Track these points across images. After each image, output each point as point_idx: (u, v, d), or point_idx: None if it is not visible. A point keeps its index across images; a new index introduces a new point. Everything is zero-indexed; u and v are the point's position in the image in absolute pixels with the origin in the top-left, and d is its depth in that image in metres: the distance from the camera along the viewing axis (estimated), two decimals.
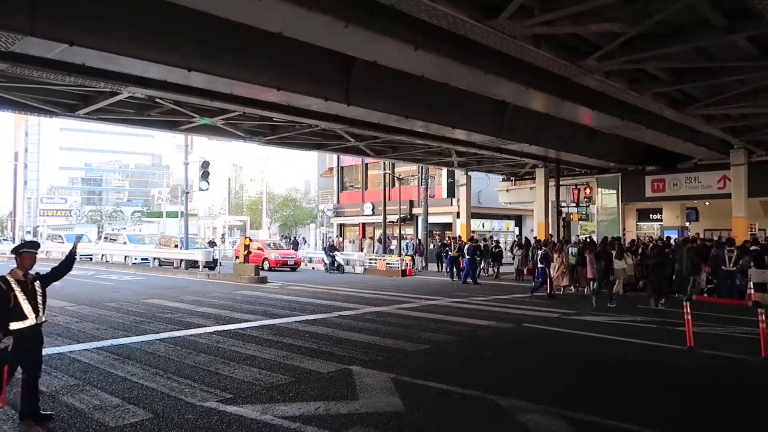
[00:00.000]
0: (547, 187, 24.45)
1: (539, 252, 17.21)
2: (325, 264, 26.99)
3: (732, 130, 16.99)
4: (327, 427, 5.21)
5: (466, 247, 21.03)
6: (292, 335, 9.85)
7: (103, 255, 31.75)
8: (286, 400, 6.04)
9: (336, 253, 27.23)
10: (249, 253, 22.05)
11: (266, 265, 26.67)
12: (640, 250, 17.12)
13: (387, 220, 32.54)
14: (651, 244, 17.33)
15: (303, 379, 6.88)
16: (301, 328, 10.63)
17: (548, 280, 15.88)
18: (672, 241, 18.98)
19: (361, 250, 33.40)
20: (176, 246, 27.23)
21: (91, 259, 32.50)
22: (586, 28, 8.99)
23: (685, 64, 11.15)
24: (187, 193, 29.31)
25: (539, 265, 16.46)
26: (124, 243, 31.47)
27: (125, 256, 29.29)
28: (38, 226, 75.98)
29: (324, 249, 29.43)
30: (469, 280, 20.18)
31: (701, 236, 20.96)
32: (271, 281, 20.44)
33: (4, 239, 67.75)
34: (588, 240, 22.23)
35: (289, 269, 27.26)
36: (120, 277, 22.41)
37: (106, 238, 35.57)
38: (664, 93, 12.85)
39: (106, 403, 5.94)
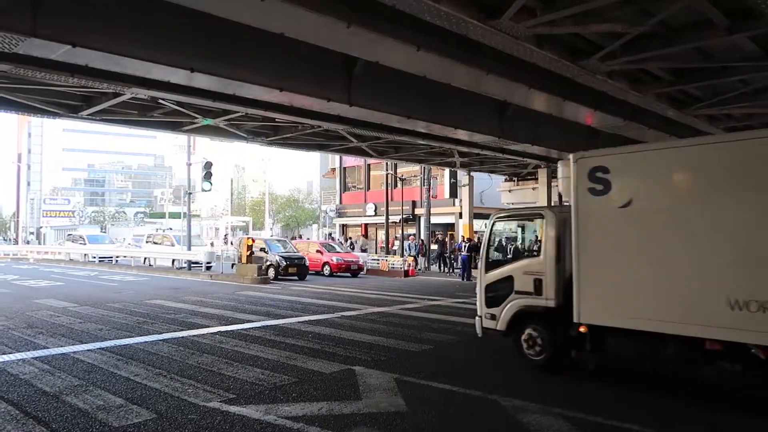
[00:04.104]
0: (549, 188, 24.44)
1: None
2: (461, 270, 22.20)
3: (734, 131, 16.96)
4: (330, 428, 5.22)
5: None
6: (295, 336, 9.86)
7: (145, 258, 29.15)
8: (289, 401, 6.05)
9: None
10: (251, 253, 22.05)
11: (327, 270, 23.90)
12: None
13: (389, 221, 32.57)
14: None
15: (306, 380, 6.89)
16: (304, 328, 10.65)
17: None
18: None
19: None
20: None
21: (114, 261, 30.42)
22: (588, 28, 9.00)
23: (687, 64, 11.15)
24: (190, 193, 29.31)
25: None
26: (171, 245, 28.42)
27: (173, 260, 26.83)
28: (41, 227, 76.22)
29: (459, 249, 24.71)
30: None
31: None
32: (273, 282, 20.48)
33: (4, 240, 68.01)
34: None
35: (350, 275, 23.75)
36: (123, 278, 22.45)
37: (148, 240, 31.97)
38: (666, 93, 12.85)
39: (109, 404, 5.96)
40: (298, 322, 11.41)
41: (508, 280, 7.80)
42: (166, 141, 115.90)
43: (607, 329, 6.62)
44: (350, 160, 39.82)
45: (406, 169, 34.27)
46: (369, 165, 39.00)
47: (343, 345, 9.01)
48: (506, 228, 8.78)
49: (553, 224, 7.39)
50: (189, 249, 26.59)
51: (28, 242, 58.14)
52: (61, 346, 8.83)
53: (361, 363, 7.73)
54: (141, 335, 9.82)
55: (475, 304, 8.37)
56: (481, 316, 8.19)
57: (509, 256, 8.26)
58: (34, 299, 14.86)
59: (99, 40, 8.42)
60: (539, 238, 7.76)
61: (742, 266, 5.64)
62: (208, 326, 10.80)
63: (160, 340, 9.38)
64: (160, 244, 29.74)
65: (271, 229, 58.00)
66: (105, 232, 57.21)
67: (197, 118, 14.91)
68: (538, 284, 7.41)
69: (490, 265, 8.15)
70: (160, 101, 13.31)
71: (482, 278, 8.25)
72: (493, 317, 7.96)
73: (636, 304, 6.38)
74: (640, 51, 10.01)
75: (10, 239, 69.65)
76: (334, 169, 44.03)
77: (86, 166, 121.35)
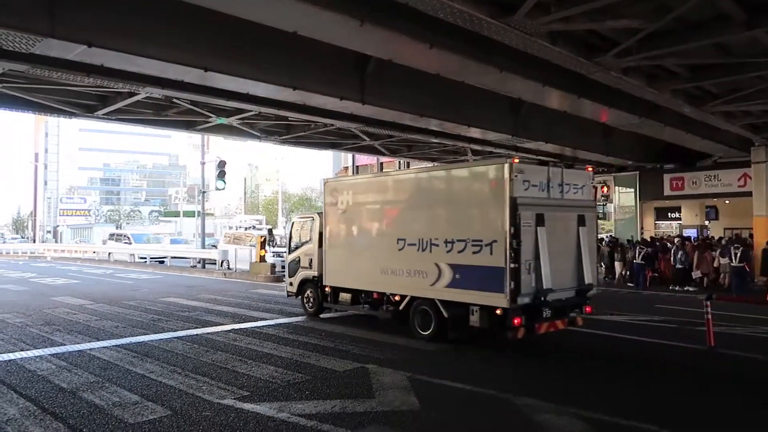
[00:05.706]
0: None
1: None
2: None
3: (752, 127, 16.68)
4: (343, 426, 5.22)
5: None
6: (309, 333, 9.89)
7: (223, 262, 24.74)
8: (302, 398, 6.06)
9: None
10: (265, 252, 22.11)
11: None
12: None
13: None
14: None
15: (319, 378, 6.91)
16: (318, 326, 10.67)
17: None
18: None
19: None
20: None
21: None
22: (603, 24, 8.89)
23: (704, 60, 10.96)
24: (204, 192, 29.53)
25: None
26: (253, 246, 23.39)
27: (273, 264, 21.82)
28: (58, 226, 77.16)
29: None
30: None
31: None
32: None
33: (22, 238, 68.89)
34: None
35: None
36: (138, 276, 22.66)
37: (225, 239, 27.34)
38: (683, 90, 12.66)
39: (125, 400, 6.01)
40: (312, 319, 11.43)
41: (299, 259, 12.26)
42: (180, 140, 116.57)
43: (338, 288, 11.01)
44: (363, 159, 39.78)
45: (419, 167, 34.21)
46: (382, 163, 38.92)
47: (356, 343, 9.02)
48: (301, 224, 12.70)
49: (318, 223, 11.65)
50: (203, 247, 26.72)
51: (44, 241, 58.78)
52: (78, 343, 8.94)
53: (374, 361, 7.73)
54: (156, 333, 9.90)
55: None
56: (286, 284, 12.84)
57: (297, 244, 12.44)
58: (51, 297, 15.04)
59: (114, 40, 8.48)
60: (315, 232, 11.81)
61: (385, 251, 9.93)
62: (222, 324, 10.86)
63: (175, 338, 9.45)
64: (243, 243, 24.98)
65: (284, 227, 58.24)
66: (119, 229, 57.66)
67: (211, 117, 14.97)
68: (310, 262, 11.83)
69: (291, 250, 12.72)
70: (175, 100, 13.38)
71: (287, 258, 13.10)
72: (291, 284, 12.44)
73: (347, 272, 10.88)
74: (657, 47, 9.86)
75: (27, 237, 70.54)
76: (346, 168, 44.01)
77: (102, 166, 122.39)
